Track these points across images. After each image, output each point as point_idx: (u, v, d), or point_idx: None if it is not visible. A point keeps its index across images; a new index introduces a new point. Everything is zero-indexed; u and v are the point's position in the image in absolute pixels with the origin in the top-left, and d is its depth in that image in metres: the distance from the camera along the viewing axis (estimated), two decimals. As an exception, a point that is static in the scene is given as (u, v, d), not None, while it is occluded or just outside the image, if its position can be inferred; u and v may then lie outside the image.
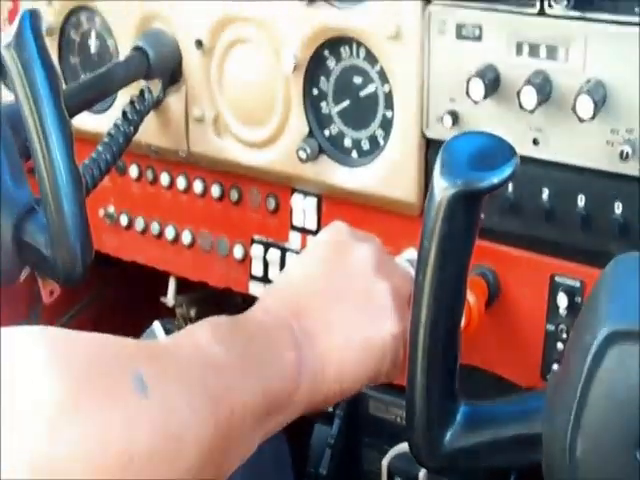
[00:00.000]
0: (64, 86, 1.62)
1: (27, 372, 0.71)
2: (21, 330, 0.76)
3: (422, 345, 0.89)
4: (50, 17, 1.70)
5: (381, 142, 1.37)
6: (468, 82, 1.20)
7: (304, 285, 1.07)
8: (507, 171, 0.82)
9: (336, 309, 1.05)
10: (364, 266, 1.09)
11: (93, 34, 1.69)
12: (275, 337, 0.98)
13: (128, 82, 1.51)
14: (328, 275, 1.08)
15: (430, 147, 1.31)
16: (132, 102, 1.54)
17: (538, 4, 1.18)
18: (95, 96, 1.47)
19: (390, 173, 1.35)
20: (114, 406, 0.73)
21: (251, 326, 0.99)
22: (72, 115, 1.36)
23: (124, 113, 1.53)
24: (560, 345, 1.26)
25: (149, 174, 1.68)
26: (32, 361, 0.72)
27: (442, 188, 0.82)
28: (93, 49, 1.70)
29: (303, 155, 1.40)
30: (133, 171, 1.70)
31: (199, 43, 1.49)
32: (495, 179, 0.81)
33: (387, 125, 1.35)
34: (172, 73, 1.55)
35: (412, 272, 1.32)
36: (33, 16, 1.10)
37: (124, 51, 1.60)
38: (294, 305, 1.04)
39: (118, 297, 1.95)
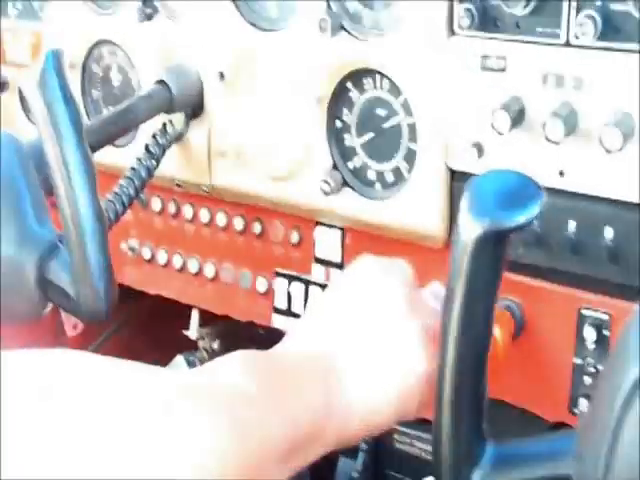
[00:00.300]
0: (87, 121, 1.63)
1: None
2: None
3: (449, 384, 0.88)
4: (72, 51, 1.70)
5: (405, 174, 1.36)
6: (493, 114, 1.19)
7: (334, 322, 1.06)
8: (534, 210, 0.81)
9: (366, 347, 1.04)
10: (394, 304, 1.08)
11: (115, 68, 1.70)
12: (305, 373, 0.98)
13: (151, 116, 1.51)
14: (358, 312, 1.07)
15: (455, 179, 1.30)
16: (154, 136, 1.54)
17: (564, 35, 1.17)
18: (118, 131, 1.47)
19: (414, 205, 1.34)
20: (138, 428, 0.74)
21: (281, 361, 0.99)
22: (95, 149, 1.37)
23: (146, 147, 1.53)
24: (588, 379, 1.24)
25: (171, 207, 1.68)
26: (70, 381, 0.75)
27: (469, 227, 0.82)
28: (115, 83, 1.71)
29: (327, 188, 1.39)
30: (155, 204, 1.70)
31: (221, 77, 1.49)
32: (522, 218, 0.81)
33: (411, 157, 1.34)
34: (194, 106, 1.55)
35: (438, 306, 1.31)
36: (57, 56, 1.10)
37: (146, 84, 1.60)
38: (324, 342, 1.03)
39: (141, 329, 1.95)
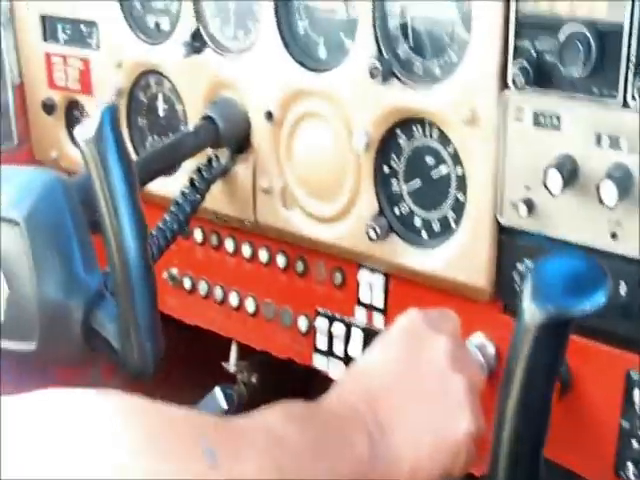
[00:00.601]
0: (133, 154, 1.63)
1: (104, 438, 0.72)
2: (99, 395, 0.77)
3: (504, 465, 0.88)
4: (120, 79, 1.70)
5: (452, 225, 1.35)
6: (545, 172, 1.18)
7: (380, 377, 1.06)
8: (600, 298, 0.80)
9: (411, 404, 1.04)
10: (440, 360, 1.08)
11: (161, 97, 1.69)
12: (349, 427, 0.98)
13: (197, 151, 1.51)
14: (404, 369, 1.07)
15: (503, 233, 1.29)
16: (199, 170, 1.54)
17: (621, 96, 1.15)
18: (165, 166, 1.47)
19: (460, 257, 1.32)
20: (183, 470, 0.74)
21: (325, 412, 0.99)
22: (143, 184, 1.37)
23: (191, 181, 1.52)
24: (636, 443, 1.22)
25: (214, 239, 1.68)
26: (110, 428, 0.74)
27: (532, 313, 0.81)
28: (161, 112, 1.70)
29: (373, 235, 1.38)
30: (197, 235, 1.70)
31: (269, 115, 1.48)
32: (588, 306, 0.80)
33: (459, 208, 1.33)
34: (240, 142, 1.54)
35: (482, 360, 1.30)
36: (112, 111, 1.09)
37: (192, 116, 1.60)
38: (370, 397, 1.03)
39: (179, 359, 1.94)
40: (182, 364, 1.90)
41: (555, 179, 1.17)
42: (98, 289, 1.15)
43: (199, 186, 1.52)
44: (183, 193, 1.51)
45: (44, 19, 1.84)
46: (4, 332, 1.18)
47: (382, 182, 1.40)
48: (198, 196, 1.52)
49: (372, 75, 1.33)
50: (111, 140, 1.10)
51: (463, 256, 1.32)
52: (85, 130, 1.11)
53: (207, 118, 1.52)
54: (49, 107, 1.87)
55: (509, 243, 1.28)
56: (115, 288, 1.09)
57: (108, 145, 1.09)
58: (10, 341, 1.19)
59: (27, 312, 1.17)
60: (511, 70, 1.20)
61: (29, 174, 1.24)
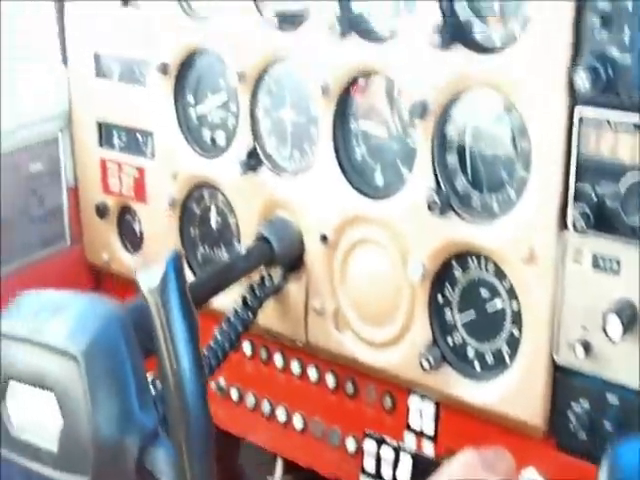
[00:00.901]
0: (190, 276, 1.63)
1: None
2: None
3: None
4: (174, 190, 1.72)
5: (506, 359, 1.34)
6: (605, 317, 1.17)
7: None
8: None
9: None
10: None
11: (214, 210, 1.71)
12: None
13: (251, 271, 1.51)
14: None
15: (558, 372, 1.27)
16: (252, 288, 1.54)
17: (682, 242, 1.14)
18: (220, 287, 1.47)
19: (514, 392, 1.31)
20: None
21: None
22: (200, 306, 1.37)
23: (244, 299, 1.53)
24: None
25: (263, 353, 1.68)
26: None
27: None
28: (214, 224, 1.72)
29: (426, 365, 1.37)
30: (247, 348, 1.69)
31: (324, 238, 1.48)
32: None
33: (514, 343, 1.32)
34: (293, 261, 1.55)
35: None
36: (177, 259, 1.10)
37: (245, 230, 1.61)
38: None
39: (224, 469, 1.93)
40: (227, 475, 1.89)
41: (615, 325, 1.16)
42: (153, 428, 1.14)
43: (251, 305, 1.53)
44: (235, 311, 1.51)
45: (100, 126, 1.86)
46: (57, 464, 1.18)
47: (436, 311, 1.40)
48: (250, 314, 1.52)
49: (430, 208, 1.33)
50: (175, 289, 1.11)
51: (517, 392, 1.31)
52: (150, 278, 1.12)
53: (261, 238, 1.53)
54: (102, 211, 1.89)
55: (564, 382, 1.27)
56: (170, 430, 1.08)
57: (172, 294, 1.10)
58: (63, 473, 1.18)
59: (81, 446, 1.16)
60: (571, 213, 1.20)
61: (87, 304, 1.24)
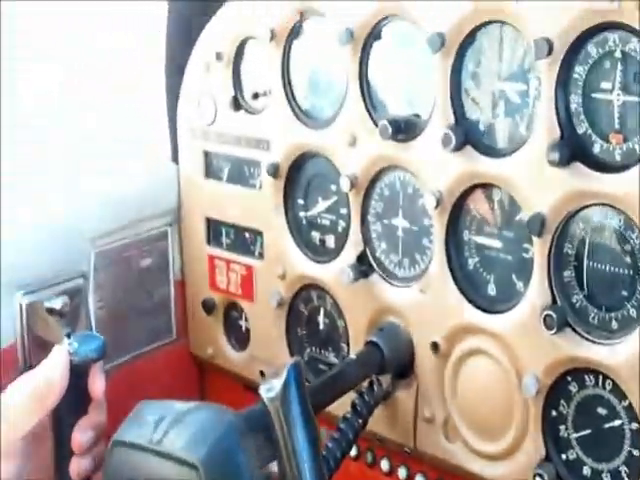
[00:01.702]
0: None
1: None
2: None
3: None
4: (282, 290, 1.74)
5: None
6: None
7: None
8: None
9: None
10: None
11: (322, 312, 1.72)
12: None
13: (364, 379, 1.52)
14: None
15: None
16: (361, 394, 1.54)
17: None
18: (335, 395, 1.46)
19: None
20: None
21: None
22: (316, 413, 1.38)
23: (353, 405, 1.53)
24: None
25: (369, 456, 1.67)
26: None
27: None
28: (321, 325, 1.73)
29: (541, 484, 1.36)
30: (352, 449, 1.69)
31: (435, 346, 1.49)
32: None
33: (634, 463, 1.30)
34: (403, 368, 1.55)
35: None
36: (297, 369, 1.12)
37: (354, 334, 1.62)
38: None
39: None
40: None
41: None
42: None
43: (361, 411, 1.52)
44: (346, 418, 1.51)
45: (209, 223, 1.90)
46: None
47: (550, 426, 1.38)
48: (360, 422, 1.52)
49: (546, 323, 1.32)
50: (296, 398, 1.13)
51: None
52: (271, 387, 1.14)
53: (372, 344, 1.53)
54: (209, 307, 1.92)
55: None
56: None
57: (293, 403, 1.12)
58: None
59: None
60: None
61: (205, 414, 1.26)
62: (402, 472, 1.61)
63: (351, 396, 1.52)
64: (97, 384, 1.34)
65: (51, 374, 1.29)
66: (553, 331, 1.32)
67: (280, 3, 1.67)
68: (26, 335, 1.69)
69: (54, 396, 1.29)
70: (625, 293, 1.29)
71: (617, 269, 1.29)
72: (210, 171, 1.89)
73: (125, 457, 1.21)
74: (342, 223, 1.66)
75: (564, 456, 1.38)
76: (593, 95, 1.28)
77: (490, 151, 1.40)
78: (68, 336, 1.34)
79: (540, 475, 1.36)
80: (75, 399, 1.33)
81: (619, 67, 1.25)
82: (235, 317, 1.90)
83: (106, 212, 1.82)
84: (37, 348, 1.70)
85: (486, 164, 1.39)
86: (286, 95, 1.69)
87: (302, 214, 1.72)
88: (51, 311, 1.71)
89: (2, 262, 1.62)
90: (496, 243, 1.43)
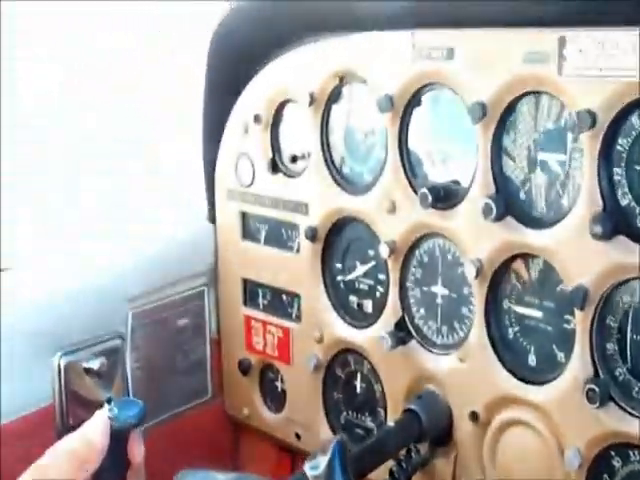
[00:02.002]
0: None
1: None
2: None
3: None
4: (319, 353, 1.74)
5: None
6: None
7: None
8: None
9: None
10: None
11: (359, 376, 1.71)
12: None
13: (402, 448, 1.51)
14: None
15: None
16: (399, 462, 1.53)
17: None
18: (375, 464, 1.45)
19: None
20: None
21: None
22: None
23: (391, 474, 1.52)
24: None
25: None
26: None
27: None
28: (358, 389, 1.72)
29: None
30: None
31: (474, 415, 1.48)
32: None
33: (677, 541, 1.28)
34: (441, 436, 1.54)
35: None
36: (341, 447, 1.12)
37: (392, 400, 1.62)
38: None
39: None
40: None
41: None
42: None
43: (399, 479, 1.52)
44: (385, 486, 1.50)
45: (246, 284, 1.91)
46: None
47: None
48: (399, 490, 1.51)
49: (588, 397, 1.32)
50: (340, 477, 1.13)
51: None
52: (316, 465, 1.14)
53: (410, 411, 1.52)
54: (245, 367, 1.92)
55: None
56: None
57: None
58: None
59: None
60: None
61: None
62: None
63: (388, 464, 1.51)
64: (136, 450, 1.33)
65: (92, 438, 1.29)
66: (596, 405, 1.31)
67: (320, 67, 1.68)
68: (64, 395, 1.69)
69: (94, 461, 1.29)
70: (673, 362, 1.28)
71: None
72: (247, 232, 1.89)
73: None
74: (380, 288, 1.66)
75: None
76: (637, 167, 1.28)
77: (531, 221, 1.39)
78: (109, 401, 1.34)
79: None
80: (114, 464, 1.33)
81: (663, 140, 1.25)
82: (271, 378, 1.90)
83: (143, 273, 1.83)
84: (75, 408, 1.71)
85: (527, 234, 1.39)
86: (325, 159, 1.70)
87: (340, 278, 1.72)
88: (89, 371, 1.72)
89: (42, 324, 1.64)
90: (536, 313, 1.42)
